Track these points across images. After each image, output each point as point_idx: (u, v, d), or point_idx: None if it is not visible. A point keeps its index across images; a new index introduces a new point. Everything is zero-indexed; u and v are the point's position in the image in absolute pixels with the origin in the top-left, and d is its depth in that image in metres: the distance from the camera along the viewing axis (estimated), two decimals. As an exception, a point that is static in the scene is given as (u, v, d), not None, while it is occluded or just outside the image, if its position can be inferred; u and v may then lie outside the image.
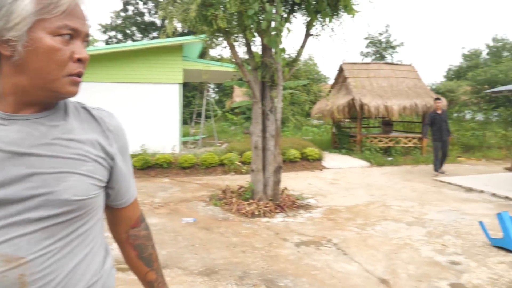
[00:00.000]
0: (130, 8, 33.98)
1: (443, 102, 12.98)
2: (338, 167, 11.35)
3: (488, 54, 36.30)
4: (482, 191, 7.82)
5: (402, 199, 7.34)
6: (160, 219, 5.82)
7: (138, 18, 33.70)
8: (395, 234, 5.23)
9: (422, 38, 78.44)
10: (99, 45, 31.74)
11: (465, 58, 37.07)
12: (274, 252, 4.51)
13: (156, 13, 33.55)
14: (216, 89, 36.82)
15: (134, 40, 33.71)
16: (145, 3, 33.85)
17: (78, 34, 0.90)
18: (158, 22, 34.05)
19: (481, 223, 4.95)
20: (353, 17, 6.68)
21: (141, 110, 12.61)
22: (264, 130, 7.17)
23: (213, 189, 8.03)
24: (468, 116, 19.98)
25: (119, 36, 33.55)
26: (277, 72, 6.81)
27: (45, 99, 0.92)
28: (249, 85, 7.27)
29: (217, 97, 35.14)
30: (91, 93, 11.82)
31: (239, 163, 10.48)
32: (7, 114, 0.90)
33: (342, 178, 9.75)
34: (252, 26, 6.26)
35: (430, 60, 71.38)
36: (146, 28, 33.97)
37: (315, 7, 6.62)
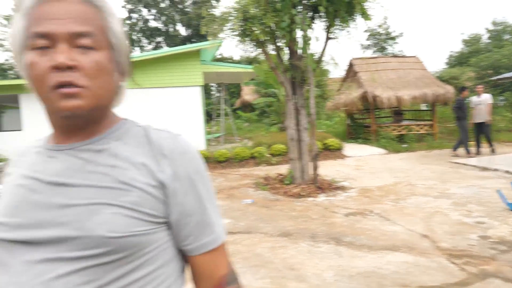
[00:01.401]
0: (135, 15, 34.93)
1: (449, 89, 14.03)
2: (358, 155, 12.33)
3: (489, 38, 36.93)
4: (496, 170, 8.77)
5: (424, 179, 8.30)
6: (223, 202, 6.84)
7: (144, 25, 34.65)
8: (426, 205, 6.19)
9: (420, 27, 79.26)
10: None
11: (466, 44, 37.70)
12: (329, 221, 5.49)
13: (159, 18, 34.44)
14: (219, 88, 37.87)
15: (141, 47, 34.71)
16: (148, 10, 34.75)
17: (55, 39, 0.74)
18: (161, 27, 34.97)
19: (499, 191, 5.91)
20: (370, 21, 7.63)
21: (169, 112, 13.62)
22: (297, 123, 8.14)
23: (254, 178, 9.01)
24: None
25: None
26: (308, 73, 7.74)
27: (67, 122, 0.80)
28: (282, 85, 8.23)
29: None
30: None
31: (269, 155, 11.46)
32: (56, 145, 0.84)
33: (364, 164, 10.71)
34: (285, 35, 7.20)
35: (430, 48, 72.20)
36: (152, 34, 34.90)
37: (334, 14, 7.52)
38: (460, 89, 11.74)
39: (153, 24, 35.02)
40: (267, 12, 6.67)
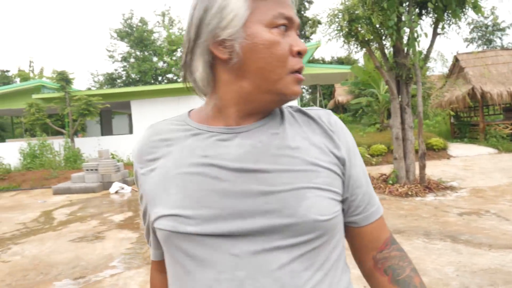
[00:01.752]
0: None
1: None
2: (465, 155, 11.69)
3: None
4: None
5: (544, 179, 7.70)
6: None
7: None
8: (549, 205, 5.80)
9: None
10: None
11: None
12: (442, 220, 5.42)
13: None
14: (309, 90, 37.88)
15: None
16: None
17: (292, 24, 0.77)
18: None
19: None
20: (482, 15, 7.29)
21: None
22: (402, 122, 8.03)
23: (356, 178, 9.06)
24: None
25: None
26: (416, 71, 7.61)
27: (269, 105, 0.79)
28: (386, 84, 8.18)
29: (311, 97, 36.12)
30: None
31: (368, 156, 11.38)
32: (228, 128, 0.79)
33: (473, 164, 10.16)
34: (392, 34, 7.19)
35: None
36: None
37: (443, 9, 7.31)
38: None
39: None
40: (374, 12, 6.75)
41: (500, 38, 34.15)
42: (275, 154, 0.75)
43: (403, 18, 7.01)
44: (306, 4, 31.73)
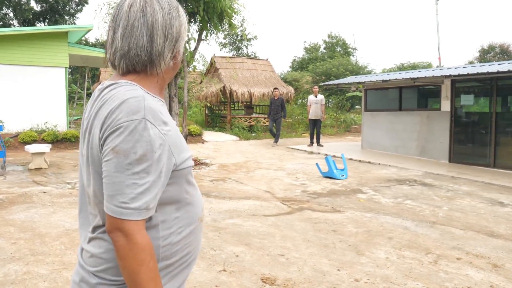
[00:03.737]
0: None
1: (290, 90, 17.02)
2: (216, 140, 14.24)
3: (324, 48, 42.79)
4: (319, 153, 11.57)
5: (267, 158, 10.57)
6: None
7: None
8: (268, 174, 8.32)
9: (272, 31, 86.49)
10: None
11: (307, 51, 43.04)
12: (198, 184, 7.12)
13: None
14: (69, 70, 36.03)
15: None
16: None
17: None
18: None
19: (317, 164, 8.37)
20: (235, 32, 9.50)
21: (31, 91, 13.31)
22: (170, 110, 9.56)
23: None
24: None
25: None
26: (184, 68, 9.23)
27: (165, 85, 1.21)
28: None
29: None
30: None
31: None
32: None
33: (221, 147, 12.64)
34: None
35: (278, 51, 79.64)
36: (-3, 3, 31.43)
37: (207, 21, 9.18)
38: (273, 88, 14.37)
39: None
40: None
41: (246, 47, 40.36)
42: None
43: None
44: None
